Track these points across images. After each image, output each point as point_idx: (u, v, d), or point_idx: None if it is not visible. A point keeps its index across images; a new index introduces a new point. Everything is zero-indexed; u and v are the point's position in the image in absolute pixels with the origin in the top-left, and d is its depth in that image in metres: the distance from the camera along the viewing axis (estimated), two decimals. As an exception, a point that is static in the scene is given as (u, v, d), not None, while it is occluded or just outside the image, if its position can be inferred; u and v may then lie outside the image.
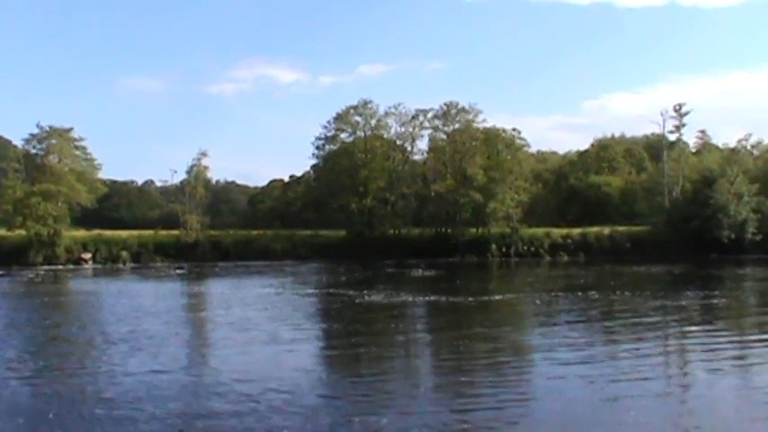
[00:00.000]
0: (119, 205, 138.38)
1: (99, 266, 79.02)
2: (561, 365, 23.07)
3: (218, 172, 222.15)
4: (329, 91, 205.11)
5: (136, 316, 36.52)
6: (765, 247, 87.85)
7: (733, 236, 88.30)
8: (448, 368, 24.11)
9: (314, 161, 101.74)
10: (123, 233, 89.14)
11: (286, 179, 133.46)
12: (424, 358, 26.96)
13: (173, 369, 23.03)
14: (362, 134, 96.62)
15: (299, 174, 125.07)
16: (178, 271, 72.13)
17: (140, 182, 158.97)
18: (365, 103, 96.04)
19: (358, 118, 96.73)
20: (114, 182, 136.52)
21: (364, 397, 19.47)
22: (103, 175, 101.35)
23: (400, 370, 24.07)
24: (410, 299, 44.14)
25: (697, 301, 41.99)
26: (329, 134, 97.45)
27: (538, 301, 42.89)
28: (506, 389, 20.13)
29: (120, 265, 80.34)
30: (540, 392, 19.66)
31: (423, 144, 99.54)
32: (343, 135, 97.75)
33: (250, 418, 17.15)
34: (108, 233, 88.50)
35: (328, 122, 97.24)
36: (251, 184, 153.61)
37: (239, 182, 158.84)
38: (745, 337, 29.86)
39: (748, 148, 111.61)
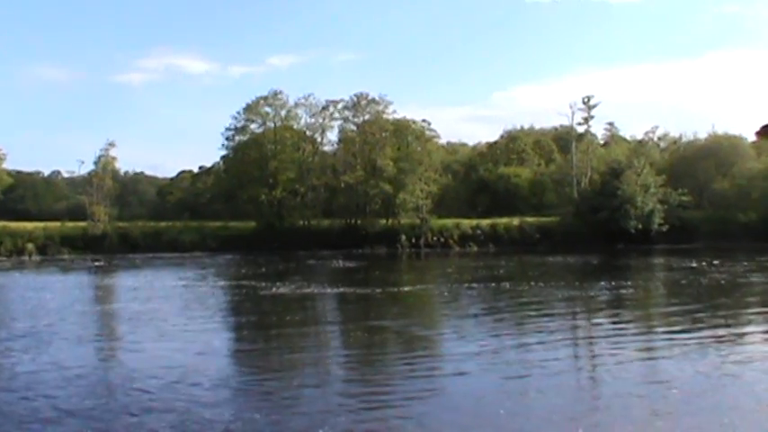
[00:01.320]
0: (24, 197, 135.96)
1: (4, 259, 77.40)
2: (471, 357, 23.31)
3: (127, 163, 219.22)
4: (240, 81, 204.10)
5: (41, 310, 35.98)
6: (671, 237, 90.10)
7: (640, 226, 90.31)
8: (356, 361, 24.26)
9: (224, 152, 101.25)
10: (29, 225, 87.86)
11: (195, 170, 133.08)
12: (332, 351, 26.73)
13: (81, 365, 22.84)
14: (272, 125, 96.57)
15: (208, 165, 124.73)
16: (95, 264, 70.88)
17: (47, 173, 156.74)
18: (275, 94, 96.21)
19: (268, 109, 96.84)
20: (19, 173, 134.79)
21: (269, 394, 19.51)
22: (8, 165, 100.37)
23: (309, 363, 23.88)
24: (323, 291, 44.40)
25: (606, 291, 42.71)
26: (239, 125, 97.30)
27: (448, 293, 43.22)
28: (416, 381, 20.35)
29: (26, 258, 79.04)
30: (449, 385, 19.93)
31: (333, 135, 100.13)
32: (253, 126, 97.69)
33: (156, 413, 17.21)
34: (13, 225, 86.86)
35: (238, 113, 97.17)
36: (160, 175, 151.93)
37: (148, 173, 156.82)
38: (652, 328, 30.44)
39: (655, 140, 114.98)
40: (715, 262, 61.09)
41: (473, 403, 18.07)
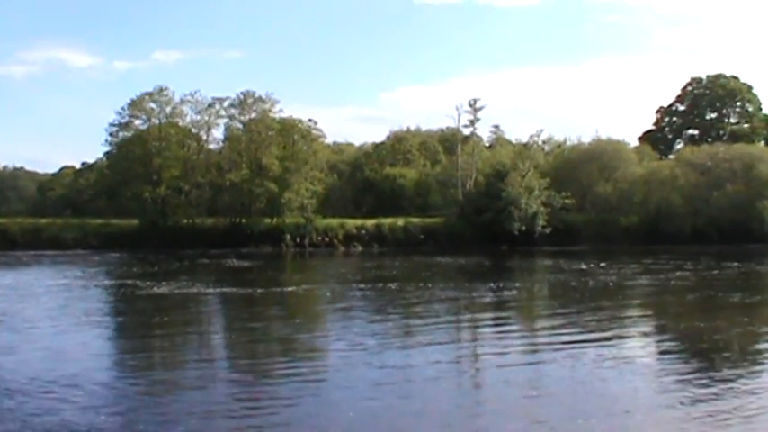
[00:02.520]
0: None
1: None
2: (354, 358, 23.32)
3: (6, 157, 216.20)
4: (124, 76, 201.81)
5: None
6: (554, 239, 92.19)
7: (524, 228, 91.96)
8: (239, 364, 23.90)
9: (107, 148, 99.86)
10: None
11: (78, 166, 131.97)
12: (213, 355, 26.06)
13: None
14: (157, 121, 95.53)
15: (91, 161, 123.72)
16: None
17: None
18: (161, 90, 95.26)
19: (153, 105, 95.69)
20: None
21: (144, 396, 18.96)
22: None
23: (189, 367, 23.14)
24: (209, 290, 43.86)
25: (494, 293, 42.81)
26: (123, 121, 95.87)
27: (335, 294, 43.26)
28: (300, 384, 19.85)
29: None
30: (331, 387, 19.72)
31: (219, 133, 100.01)
32: (137, 122, 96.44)
33: (28, 417, 16.59)
34: None
35: (122, 109, 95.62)
36: (41, 170, 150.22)
37: (28, 168, 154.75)
38: (538, 331, 30.61)
39: (540, 143, 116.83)
40: (602, 264, 62.42)
41: (357, 401, 18.15)
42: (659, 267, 59.38)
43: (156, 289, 43.22)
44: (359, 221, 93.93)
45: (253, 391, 19.35)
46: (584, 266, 60.34)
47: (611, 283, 47.85)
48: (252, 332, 29.77)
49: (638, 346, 25.62)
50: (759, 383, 19.57)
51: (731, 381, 19.64)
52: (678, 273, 54.39)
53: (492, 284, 46.40)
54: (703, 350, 24.55)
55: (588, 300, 39.90)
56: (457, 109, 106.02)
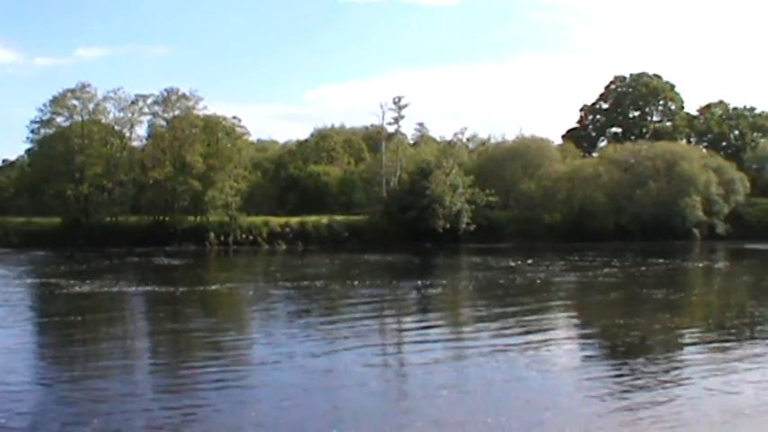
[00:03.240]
0: None
1: None
2: (278, 357, 23.45)
3: None
4: (46, 73, 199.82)
5: None
6: (478, 236, 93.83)
7: (448, 226, 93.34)
8: (155, 364, 23.84)
9: (28, 145, 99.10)
10: None
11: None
12: (128, 356, 25.49)
13: None
14: (80, 119, 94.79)
15: (12, 158, 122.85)
16: None
17: None
18: (83, 87, 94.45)
19: (75, 102, 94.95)
20: None
21: (62, 398, 18.96)
22: None
23: (113, 367, 22.81)
24: (136, 289, 43.95)
25: (421, 291, 43.35)
26: (45, 118, 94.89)
27: (262, 293, 43.52)
28: (226, 384, 20.09)
29: None
30: (257, 387, 19.96)
31: (142, 130, 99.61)
32: (59, 119, 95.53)
33: None
34: None
35: (44, 105, 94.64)
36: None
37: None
38: (460, 327, 31.30)
39: (464, 141, 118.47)
40: (529, 261, 63.52)
41: (280, 401, 18.27)
42: (586, 264, 60.56)
43: (78, 288, 43.00)
44: (283, 219, 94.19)
45: (169, 393, 19.47)
46: (512, 264, 61.36)
47: (538, 281, 48.68)
48: (171, 332, 29.91)
49: (561, 344, 26.20)
50: (674, 377, 20.62)
51: (648, 376, 20.57)
52: (606, 270, 55.58)
53: (419, 282, 47.08)
54: (624, 347, 25.49)
55: (514, 297, 40.26)
56: (381, 107, 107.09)
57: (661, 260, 65.29)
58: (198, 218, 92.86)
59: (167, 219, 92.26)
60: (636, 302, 37.91)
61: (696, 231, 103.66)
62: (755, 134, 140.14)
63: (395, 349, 26.83)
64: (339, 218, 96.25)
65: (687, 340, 27.35)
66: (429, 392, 19.07)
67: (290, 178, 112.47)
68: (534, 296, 41.41)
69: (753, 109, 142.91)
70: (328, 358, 23.60)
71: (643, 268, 57.43)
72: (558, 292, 44.10)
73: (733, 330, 29.00)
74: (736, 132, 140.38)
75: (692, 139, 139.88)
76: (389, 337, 29.73)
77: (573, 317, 35.19)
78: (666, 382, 19.97)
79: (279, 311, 36.22)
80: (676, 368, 22.18)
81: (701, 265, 66.18)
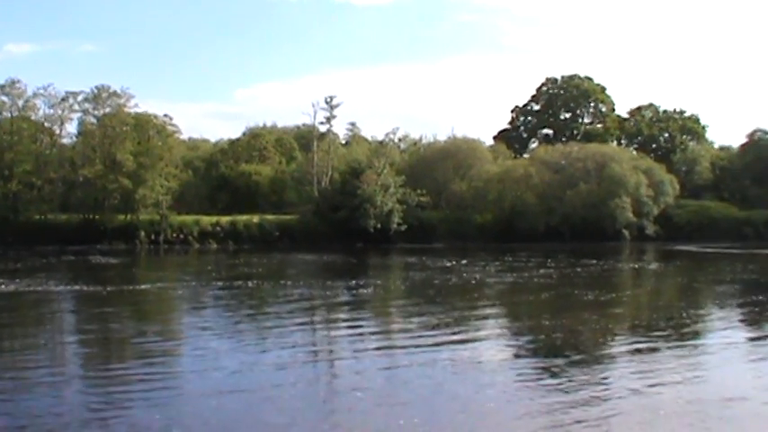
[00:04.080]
0: None
1: None
2: (210, 357, 23.43)
3: None
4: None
5: None
6: (409, 236, 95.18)
7: (379, 226, 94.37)
8: (77, 368, 23.08)
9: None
10: None
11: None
12: (50, 359, 24.47)
13: None
14: (9, 115, 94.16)
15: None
16: None
17: None
18: (12, 83, 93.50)
19: (4, 98, 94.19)
20: None
21: None
22: None
23: (23, 372, 22.05)
24: (62, 288, 43.20)
25: (349, 290, 43.84)
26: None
27: (195, 291, 43.58)
28: (154, 385, 19.93)
29: None
30: (188, 386, 19.94)
31: (72, 128, 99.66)
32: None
33: None
34: None
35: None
36: None
37: None
38: (393, 329, 30.97)
39: (395, 141, 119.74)
40: (464, 262, 64.19)
41: (214, 402, 18.22)
42: (521, 265, 61.23)
43: (2, 287, 42.50)
44: (214, 218, 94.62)
45: (92, 396, 19.06)
46: (447, 264, 61.89)
47: (473, 281, 49.02)
48: (97, 333, 29.51)
49: (489, 346, 26.11)
50: (598, 378, 21.04)
51: (573, 377, 21.01)
52: (542, 270, 56.25)
53: (353, 282, 47.63)
54: (551, 348, 25.90)
55: (447, 298, 40.93)
56: (313, 106, 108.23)
57: (594, 261, 66.11)
58: (128, 216, 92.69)
59: (97, 217, 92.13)
60: (567, 303, 38.44)
61: (626, 232, 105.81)
62: (685, 136, 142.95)
63: (326, 352, 26.36)
64: (270, 217, 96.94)
65: (614, 341, 27.76)
66: (354, 395, 19.07)
67: (222, 177, 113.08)
68: (468, 297, 41.63)
69: (682, 112, 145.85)
70: (257, 359, 23.45)
71: (578, 269, 58.07)
72: (492, 292, 44.37)
73: (659, 331, 29.50)
74: (666, 135, 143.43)
75: (622, 142, 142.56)
76: (321, 340, 29.38)
77: (504, 318, 35.43)
78: (590, 383, 20.37)
79: (209, 312, 35.95)
80: (601, 369, 22.72)
81: (635, 266, 67.18)
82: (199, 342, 26.74)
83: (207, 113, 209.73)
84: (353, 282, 48.21)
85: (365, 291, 43.96)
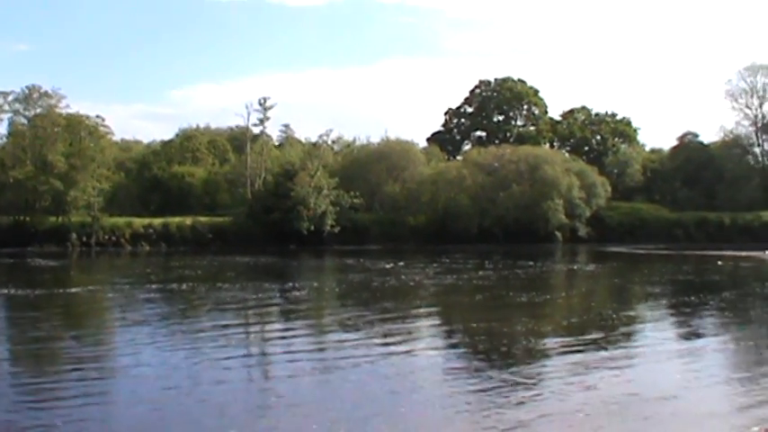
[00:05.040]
0: None
1: None
2: (142, 362, 22.92)
3: None
4: None
5: None
6: (343, 238, 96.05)
7: (312, 228, 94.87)
8: (14, 377, 22.16)
9: None
10: None
11: None
12: None
13: None
14: None
15: None
16: None
17: None
18: None
19: None
20: None
21: None
22: None
23: None
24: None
25: (284, 292, 43.92)
26: None
27: (128, 295, 42.35)
28: (88, 390, 19.50)
29: None
30: (120, 392, 19.61)
31: (2, 128, 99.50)
32: None
33: None
34: None
35: None
36: None
37: None
38: (324, 331, 30.95)
39: (329, 143, 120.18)
40: (401, 263, 64.60)
41: (144, 405, 18.09)
42: (459, 267, 61.77)
43: None
44: (146, 220, 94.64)
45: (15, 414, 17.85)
46: (385, 266, 61.99)
47: (411, 283, 49.25)
48: (22, 339, 28.85)
49: (426, 348, 26.17)
50: (532, 379, 21.15)
51: (508, 377, 21.04)
52: (481, 272, 56.63)
53: (288, 285, 47.85)
54: (486, 350, 25.83)
55: (383, 300, 40.42)
56: (247, 107, 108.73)
57: (531, 263, 66.87)
58: (59, 218, 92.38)
59: (28, 219, 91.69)
60: (502, 305, 38.61)
61: (558, 234, 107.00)
62: (616, 139, 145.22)
63: (258, 357, 25.96)
64: (203, 219, 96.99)
65: (545, 342, 27.67)
66: (285, 398, 18.85)
67: (154, 179, 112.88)
68: (405, 299, 41.65)
69: (614, 115, 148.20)
70: (190, 363, 23.03)
71: (518, 271, 58.58)
72: (427, 293, 44.54)
73: (590, 332, 29.52)
74: (598, 137, 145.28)
75: (554, 144, 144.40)
76: (255, 343, 28.94)
77: (439, 319, 35.72)
78: (521, 384, 20.32)
79: (141, 316, 34.52)
80: (532, 371, 22.62)
81: (572, 267, 67.70)
82: (130, 347, 25.89)
83: (139, 115, 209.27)
84: (289, 284, 48.38)
85: (299, 293, 43.87)
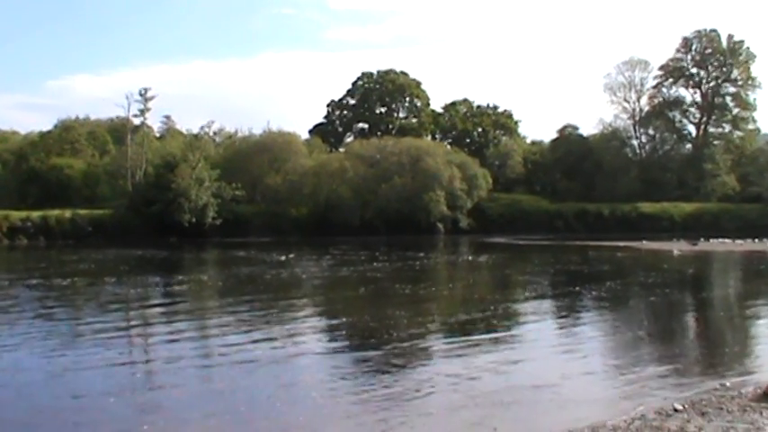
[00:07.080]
0: None
1: None
2: (13, 366, 21.41)
3: None
4: None
5: None
6: (224, 230, 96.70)
7: (194, 220, 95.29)
8: None
9: None
10: None
11: None
12: None
13: None
14: None
15: None
16: None
17: None
18: None
19: None
20: None
21: None
22: None
23: None
24: None
25: (162, 285, 43.74)
26: None
27: (7, 292, 40.36)
28: None
29: None
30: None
31: None
32: None
33: None
34: None
35: None
36: None
37: None
38: (205, 321, 31.07)
39: (211, 134, 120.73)
40: (291, 255, 65.15)
41: (25, 407, 17.25)
42: (353, 259, 62.39)
43: None
44: (24, 213, 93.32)
45: None
46: (280, 258, 62.63)
47: (305, 275, 49.44)
48: None
49: (311, 343, 25.73)
50: (414, 371, 21.43)
51: (391, 370, 21.22)
52: (375, 264, 57.42)
53: (170, 278, 47.55)
54: (371, 343, 25.57)
55: (268, 294, 40.23)
56: (127, 98, 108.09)
57: (421, 254, 68.52)
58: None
59: None
60: (393, 296, 38.77)
61: (440, 225, 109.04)
62: (498, 131, 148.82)
63: (141, 352, 25.23)
64: (83, 212, 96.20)
65: (429, 334, 27.76)
66: (166, 400, 18.27)
67: (32, 171, 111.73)
68: (292, 292, 41.37)
69: (495, 107, 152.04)
70: (65, 364, 21.81)
71: (410, 263, 59.62)
72: (314, 288, 44.51)
73: (474, 323, 30.01)
74: (480, 130, 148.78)
75: (436, 136, 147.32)
76: (137, 339, 27.51)
77: (322, 313, 34.86)
78: (404, 377, 20.49)
79: (11, 316, 31.91)
80: (415, 363, 22.75)
81: (460, 259, 68.66)
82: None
83: (16, 105, 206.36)
84: (171, 278, 48.06)
85: (182, 288, 43.24)
